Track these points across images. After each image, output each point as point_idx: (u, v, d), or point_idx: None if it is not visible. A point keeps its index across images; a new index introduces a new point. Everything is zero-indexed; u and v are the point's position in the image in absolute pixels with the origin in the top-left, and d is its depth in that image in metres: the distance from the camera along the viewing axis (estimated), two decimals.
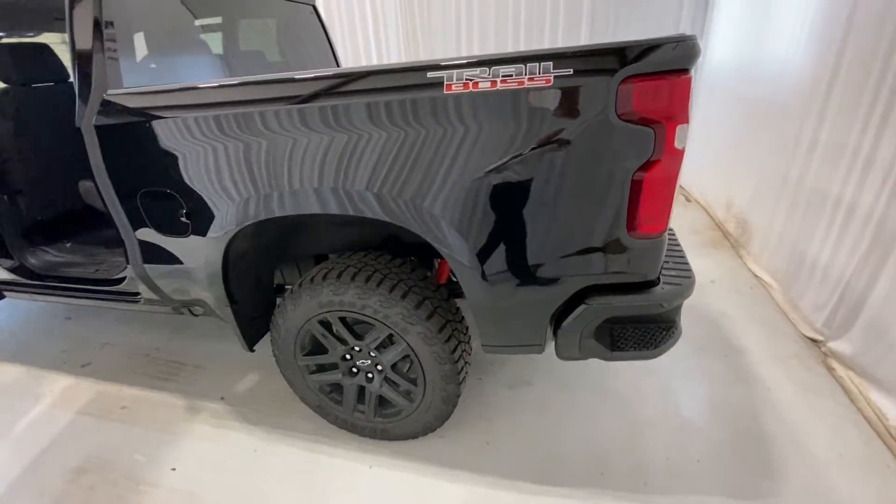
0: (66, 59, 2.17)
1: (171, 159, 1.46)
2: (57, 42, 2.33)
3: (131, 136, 1.50)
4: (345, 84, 1.24)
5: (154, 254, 1.68)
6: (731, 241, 3.32)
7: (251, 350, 1.86)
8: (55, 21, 2.09)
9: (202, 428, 1.98)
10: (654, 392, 2.01)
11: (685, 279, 1.36)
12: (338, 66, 2.93)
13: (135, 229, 1.64)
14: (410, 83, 1.19)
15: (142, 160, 1.52)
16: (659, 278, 1.33)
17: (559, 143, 1.14)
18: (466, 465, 1.70)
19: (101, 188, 1.59)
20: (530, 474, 1.66)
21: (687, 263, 1.47)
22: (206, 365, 2.38)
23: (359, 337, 1.63)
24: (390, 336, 1.56)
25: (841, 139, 2.08)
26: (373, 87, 1.21)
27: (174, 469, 1.79)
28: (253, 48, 2.36)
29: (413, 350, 1.53)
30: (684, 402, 1.95)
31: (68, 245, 2.34)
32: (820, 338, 2.18)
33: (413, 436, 1.77)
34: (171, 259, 1.66)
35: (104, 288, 1.96)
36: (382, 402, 1.75)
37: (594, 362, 1.83)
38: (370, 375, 1.70)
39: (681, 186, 4.61)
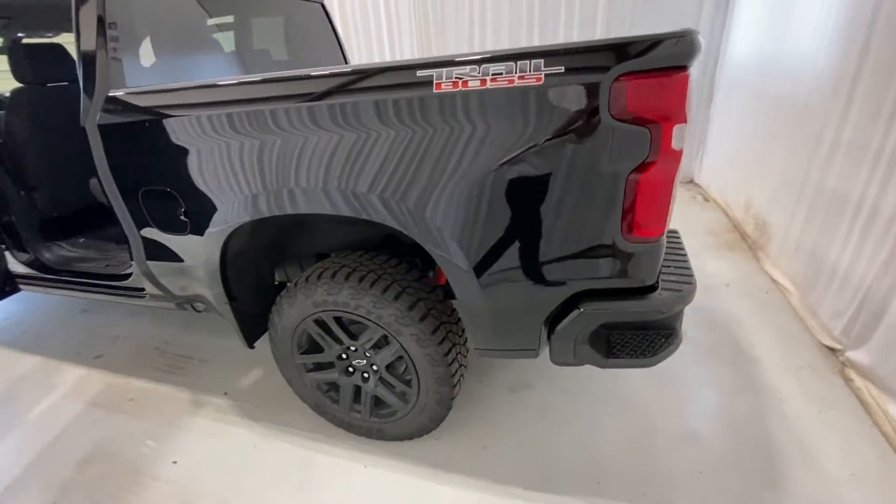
0: None
1: (169, 158, 1.48)
2: (72, 42, 2.39)
3: (132, 135, 1.52)
4: (334, 83, 1.23)
5: (156, 251, 1.70)
6: (748, 242, 3.20)
7: (251, 347, 1.88)
8: (68, 22, 2.15)
9: (204, 422, 2.01)
10: (658, 399, 1.95)
11: (686, 285, 1.31)
12: (346, 63, 2.94)
13: (137, 227, 1.67)
14: (399, 82, 1.17)
15: (142, 159, 1.54)
16: (658, 283, 1.28)
17: (551, 144, 1.11)
18: (461, 469, 1.69)
19: (104, 186, 1.63)
20: (525, 481, 1.63)
21: (689, 268, 1.41)
22: (212, 359, 2.42)
23: (354, 337, 1.62)
24: (385, 337, 1.55)
25: (864, 139, 1.97)
26: (361, 86, 1.20)
27: (175, 462, 1.82)
28: (258, 47, 2.37)
29: (406, 351, 1.52)
30: (690, 411, 1.88)
31: (82, 240, 2.40)
32: (838, 346, 2.08)
33: (408, 437, 1.76)
34: (172, 256, 1.69)
35: (112, 283, 2.01)
36: (378, 402, 1.75)
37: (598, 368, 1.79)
38: (366, 375, 1.70)
39: (698, 185, 4.49)
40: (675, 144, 1.08)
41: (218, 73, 2.08)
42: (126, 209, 1.65)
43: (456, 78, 1.12)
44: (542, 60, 1.06)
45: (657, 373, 2.04)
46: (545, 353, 1.42)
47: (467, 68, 1.11)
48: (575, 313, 1.27)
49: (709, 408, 1.90)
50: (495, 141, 1.14)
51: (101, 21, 1.53)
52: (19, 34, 2.60)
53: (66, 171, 2.33)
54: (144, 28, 1.68)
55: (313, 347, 1.72)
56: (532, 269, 1.25)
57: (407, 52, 4.81)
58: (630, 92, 1.03)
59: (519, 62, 1.07)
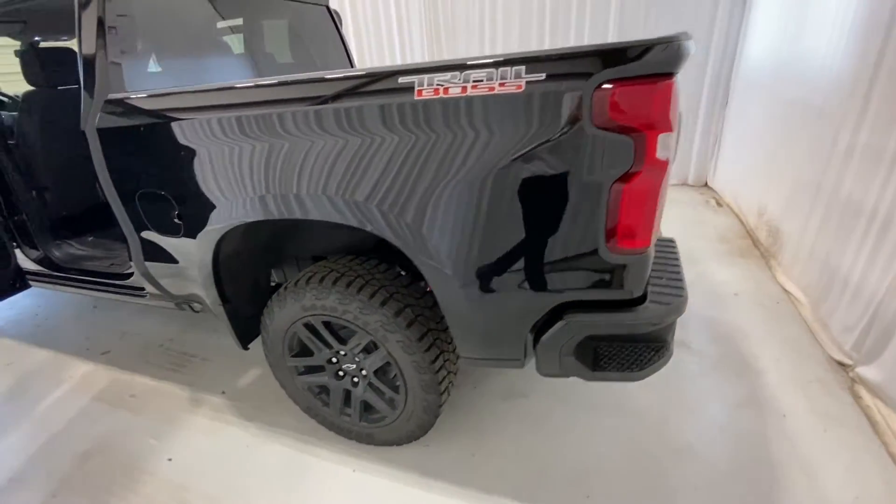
0: None
1: (163, 162, 1.51)
2: None
3: (129, 139, 1.55)
4: (318, 89, 1.23)
5: (153, 252, 1.73)
6: (761, 250, 3.10)
7: (245, 348, 1.89)
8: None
9: (201, 420, 2.04)
10: (657, 411, 1.90)
11: (675, 297, 1.26)
12: (352, 66, 2.95)
13: (134, 228, 1.71)
14: (381, 89, 1.16)
15: (138, 162, 1.57)
16: (646, 295, 1.24)
17: (534, 153, 1.08)
18: (448, 477, 1.67)
19: (103, 188, 1.66)
20: (511, 491, 1.60)
21: (681, 280, 1.36)
22: (213, 358, 2.46)
23: (343, 341, 1.62)
24: (373, 342, 1.55)
25: (879, 145, 1.88)
26: (343, 92, 1.19)
27: (170, 459, 1.85)
28: (262, 51, 2.40)
29: (393, 358, 1.51)
30: (688, 424, 1.83)
31: (90, 239, 2.47)
32: (848, 361, 2.00)
33: (397, 442, 1.75)
34: (167, 258, 1.72)
35: (115, 282, 2.05)
36: (368, 407, 1.75)
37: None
38: (355, 380, 1.70)
39: (711, 189, 4.37)
40: (660, 154, 1.04)
41: (221, 77, 2.11)
42: (123, 211, 1.68)
43: (437, 85, 1.10)
44: (523, 67, 1.04)
45: (657, 384, 1.99)
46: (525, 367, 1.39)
47: (448, 75, 1.09)
48: (560, 324, 1.24)
49: (709, 421, 1.84)
50: (478, 149, 1.12)
51: (100, 24, 1.56)
52: (35, 38, 2.68)
53: (76, 171, 2.39)
54: (144, 32, 1.71)
55: (304, 350, 1.73)
56: (515, 279, 1.22)
57: (418, 53, 4.81)
58: (612, 100, 1.00)
59: (500, 69, 1.05)
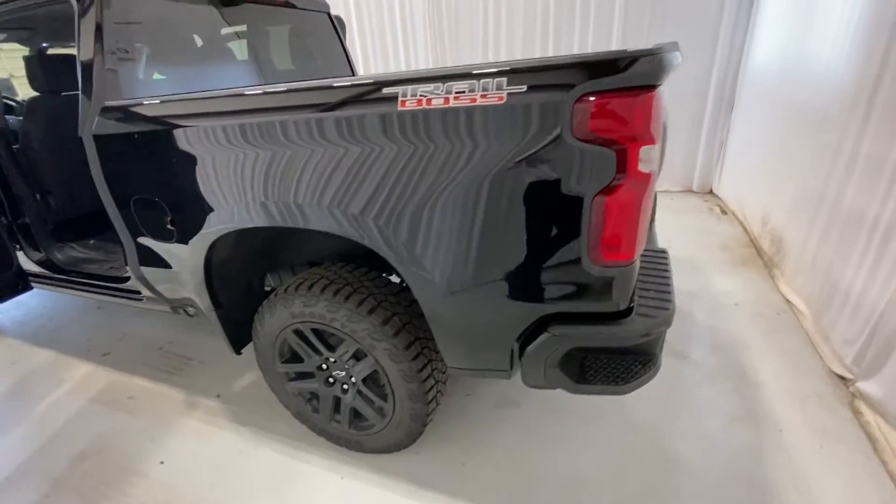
0: None
1: (157, 169, 1.53)
2: None
3: (124, 146, 1.57)
4: (302, 99, 1.23)
5: (147, 257, 1.76)
6: (764, 259, 3.05)
7: (238, 353, 1.91)
8: None
9: (195, 424, 2.06)
10: (650, 422, 1.87)
11: (662, 311, 1.24)
12: (353, 73, 2.96)
13: (130, 233, 1.73)
14: (366, 99, 1.16)
15: (132, 169, 1.59)
16: (631, 308, 1.23)
17: (515, 164, 1.08)
18: (436, 486, 1.66)
19: (100, 194, 1.69)
20: (500, 501, 1.59)
21: (669, 292, 1.34)
22: (210, 361, 2.48)
23: (332, 349, 1.63)
24: (361, 350, 1.55)
25: (881, 156, 1.85)
26: (327, 102, 1.20)
27: (162, 462, 1.87)
28: (263, 58, 2.42)
29: (381, 366, 1.51)
30: (682, 437, 1.80)
31: (92, 242, 2.51)
32: (849, 376, 1.95)
33: (386, 451, 1.75)
34: (161, 262, 1.74)
35: (113, 285, 2.08)
36: (357, 414, 1.75)
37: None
38: (345, 387, 1.70)
39: (716, 196, 4.32)
40: (642, 167, 1.03)
41: (220, 85, 2.13)
42: (119, 216, 1.70)
43: (420, 96, 1.10)
44: (505, 79, 1.03)
45: (653, 395, 1.97)
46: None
47: (431, 86, 1.09)
48: (544, 336, 1.23)
49: (703, 434, 1.81)
50: (460, 160, 1.12)
51: (98, 30, 1.59)
52: (43, 44, 2.74)
53: (79, 175, 2.43)
54: (141, 40, 1.73)
55: (294, 357, 1.73)
56: (498, 289, 1.22)
57: (422, 60, 4.82)
58: (593, 112, 0.99)
59: (482, 80, 1.05)
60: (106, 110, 1.58)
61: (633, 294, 1.21)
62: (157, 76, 1.79)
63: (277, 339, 1.67)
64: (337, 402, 1.75)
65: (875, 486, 1.55)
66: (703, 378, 2.09)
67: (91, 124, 1.60)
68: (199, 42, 2.03)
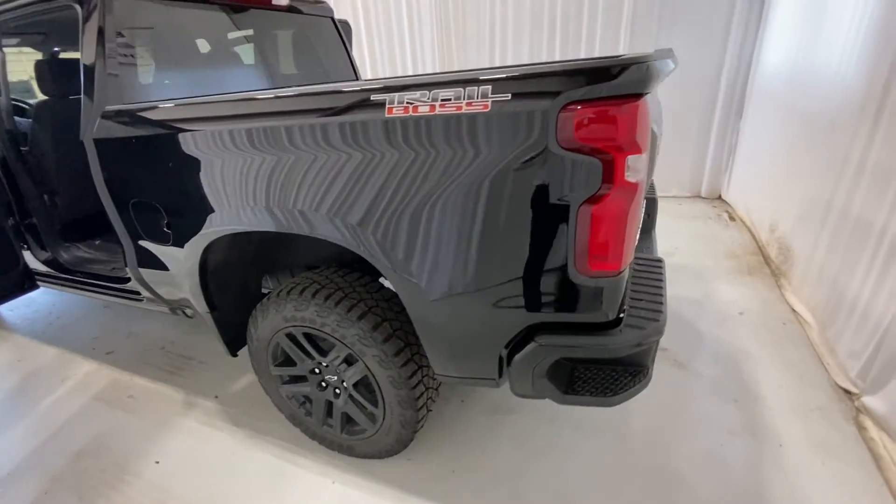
0: None
1: (155, 173, 1.55)
2: None
3: (123, 150, 1.60)
4: (293, 104, 1.24)
5: (146, 258, 1.78)
6: (771, 268, 2.99)
7: (233, 355, 1.92)
8: None
9: (192, 424, 2.08)
10: (645, 435, 1.84)
11: (652, 322, 1.22)
12: (357, 77, 2.97)
13: (129, 235, 1.75)
14: (354, 106, 1.16)
15: (131, 173, 1.62)
16: (620, 319, 1.21)
17: (500, 173, 1.07)
18: (426, 493, 1.65)
19: (100, 197, 1.71)
20: None
21: (661, 303, 1.32)
22: (210, 362, 2.50)
23: (323, 353, 1.63)
24: (352, 355, 1.54)
25: (890, 162, 1.80)
26: (316, 108, 1.20)
27: (157, 462, 1.89)
28: (266, 63, 2.44)
29: (370, 372, 1.51)
30: (677, 449, 1.77)
31: (97, 242, 2.55)
32: (854, 390, 1.90)
33: (377, 456, 1.75)
34: (159, 264, 1.76)
35: (115, 286, 2.11)
36: (349, 419, 1.74)
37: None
38: (337, 392, 1.70)
39: (725, 203, 4.25)
40: (629, 176, 1.01)
41: (222, 90, 2.16)
42: (119, 219, 1.73)
43: (407, 103, 1.10)
44: (490, 87, 1.02)
45: (651, 405, 1.94)
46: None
47: (418, 93, 1.09)
48: (531, 346, 1.22)
49: (699, 448, 1.77)
50: (446, 168, 1.11)
51: (101, 35, 1.61)
52: (55, 49, 2.80)
53: (85, 176, 2.48)
54: (142, 45, 1.76)
55: (287, 360, 1.74)
56: (484, 298, 1.21)
57: (429, 63, 4.83)
58: (578, 121, 0.98)
59: (467, 88, 1.04)
60: (107, 114, 1.61)
61: (622, 304, 1.19)
62: (155, 80, 1.82)
63: (271, 342, 1.68)
64: (329, 407, 1.75)
65: None
66: (704, 389, 2.05)
67: (92, 128, 1.63)
68: (200, 47, 2.05)
